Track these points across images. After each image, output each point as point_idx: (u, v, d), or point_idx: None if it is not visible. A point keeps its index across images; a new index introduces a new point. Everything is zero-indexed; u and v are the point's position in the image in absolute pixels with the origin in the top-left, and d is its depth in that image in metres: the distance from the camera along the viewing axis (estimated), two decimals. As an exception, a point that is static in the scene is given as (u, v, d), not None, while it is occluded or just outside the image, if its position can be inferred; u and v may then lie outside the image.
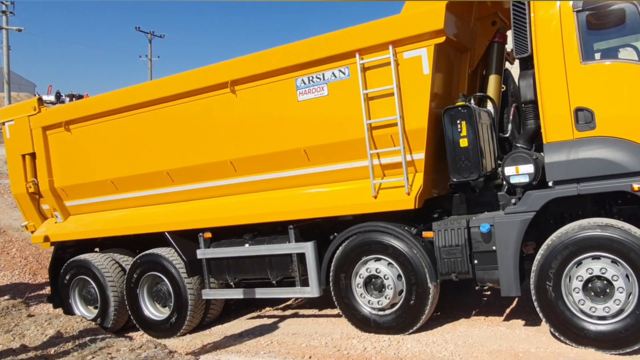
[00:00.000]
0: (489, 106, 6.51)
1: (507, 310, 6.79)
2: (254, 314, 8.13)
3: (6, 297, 9.53)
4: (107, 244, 8.75)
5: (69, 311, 8.43)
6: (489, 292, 7.64)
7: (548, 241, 5.31)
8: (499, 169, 5.92)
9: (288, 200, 6.72)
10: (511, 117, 6.63)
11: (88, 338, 6.54)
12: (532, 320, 6.17)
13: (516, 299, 7.04)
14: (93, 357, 5.68)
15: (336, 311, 7.63)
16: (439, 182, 6.34)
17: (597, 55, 5.56)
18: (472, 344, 5.66)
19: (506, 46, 6.86)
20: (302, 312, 7.90)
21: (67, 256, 8.70)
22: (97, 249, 8.86)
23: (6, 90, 33.67)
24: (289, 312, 8.00)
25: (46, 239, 8.72)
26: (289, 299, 8.63)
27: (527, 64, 5.64)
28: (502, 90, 6.68)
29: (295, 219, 6.66)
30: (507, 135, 6.55)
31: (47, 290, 10.86)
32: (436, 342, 5.86)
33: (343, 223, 6.74)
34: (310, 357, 5.88)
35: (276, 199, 6.82)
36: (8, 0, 34.63)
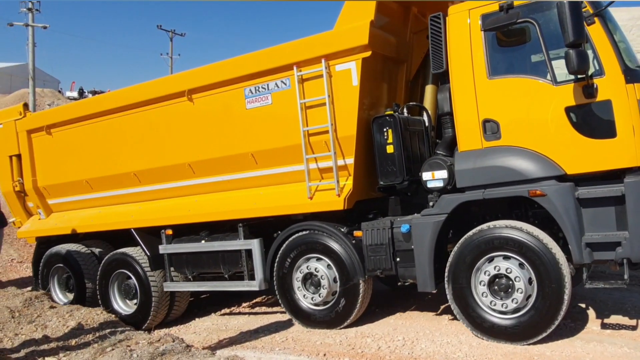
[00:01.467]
0: (424, 114, 6.96)
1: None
2: (269, 310, 8.36)
3: (29, 288, 9.90)
4: (87, 239, 9.39)
5: (49, 296, 9.03)
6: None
7: (460, 241, 5.76)
8: None
9: (237, 200, 7.26)
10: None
11: (108, 330, 6.77)
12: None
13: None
14: (112, 349, 5.85)
15: None
16: (375, 185, 6.80)
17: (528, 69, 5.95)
18: (486, 346, 5.68)
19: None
20: None
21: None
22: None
23: (31, 86, 34.76)
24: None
25: (30, 234, 9.44)
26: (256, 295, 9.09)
27: (445, 79, 6.08)
28: None
29: (243, 217, 7.19)
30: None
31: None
32: (450, 342, 5.90)
33: (295, 222, 7.20)
34: (324, 355, 5.95)
35: (228, 199, 7.37)
36: (34, -1, 35.57)
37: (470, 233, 5.74)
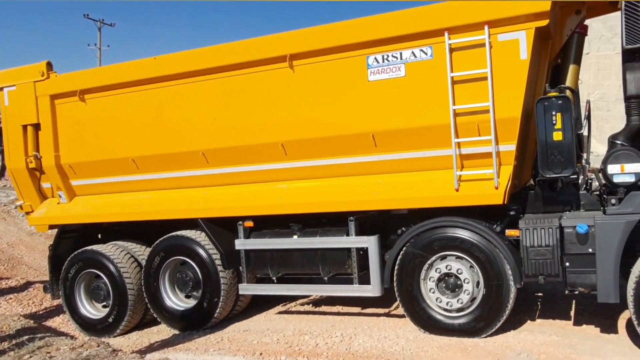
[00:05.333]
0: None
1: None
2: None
3: None
4: (114, 229, 7.90)
5: (71, 307, 7.56)
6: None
7: None
8: (588, 166, 5.62)
9: (350, 190, 6.14)
10: (587, 113, 6.32)
11: (26, 337, 6.32)
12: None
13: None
14: (30, 357, 5.50)
15: (289, 308, 7.53)
16: (515, 178, 5.93)
17: None
18: (423, 339, 5.79)
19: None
20: (253, 310, 7.54)
21: (68, 242, 7.81)
22: (99, 235, 8.01)
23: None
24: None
25: (47, 220, 7.80)
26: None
27: (635, 56, 5.29)
28: (580, 83, 6.34)
29: (359, 210, 6.11)
30: (582, 131, 6.21)
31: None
32: (388, 337, 5.94)
33: (397, 217, 6.31)
34: (261, 354, 5.81)
35: (335, 188, 6.23)
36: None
37: None
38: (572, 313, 6.38)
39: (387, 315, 6.74)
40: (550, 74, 6.43)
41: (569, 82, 6.19)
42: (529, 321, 6.19)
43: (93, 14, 55.25)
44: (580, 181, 5.94)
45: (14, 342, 6.11)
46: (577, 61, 6.27)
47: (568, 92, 6.08)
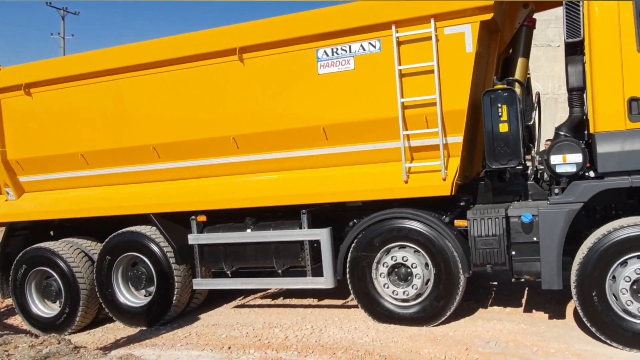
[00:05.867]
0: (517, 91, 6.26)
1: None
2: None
3: None
4: (65, 226, 7.73)
5: (21, 305, 7.40)
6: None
7: (595, 238, 5.09)
8: (538, 157, 5.74)
9: (302, 183, 6.15)
10: (535, 105, 6.44)
11: None
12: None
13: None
14: None
15: (259, 301, 7.53)
16: (465, 170, 6.02)
17: None
18: (393, 330, 5.81)
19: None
20: (223, 303, 7.55)
21: (18, 240, 7.63)
22: (52, 233, 7.84)
23: None
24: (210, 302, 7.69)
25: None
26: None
27: (576, 49, 5.40)
28: (528, 76, 6.46)
29: (311, 202, 6.11)
30: (530, 123, 6.34)
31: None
32: (358, 328, 5.94)
33: (350, 209, 6.35)
34: (229, 348, 5.74)
35: (288, 181, 6.22)
36: None
37: (603, 231, 5.07)
38: (534, 301, 6.48)
39: (358, 306, 6.64)
40: (501, 66, 6.56)
41: (517, 75, 6.31)
42: (498, 310, 6.29)
43: (56, 2, 53.04)
44: (529, 171, 6.07)
45: (-32, 341, 5.84)
46: (526, 54, 6.40)
47: (516, 85, 6.20)
